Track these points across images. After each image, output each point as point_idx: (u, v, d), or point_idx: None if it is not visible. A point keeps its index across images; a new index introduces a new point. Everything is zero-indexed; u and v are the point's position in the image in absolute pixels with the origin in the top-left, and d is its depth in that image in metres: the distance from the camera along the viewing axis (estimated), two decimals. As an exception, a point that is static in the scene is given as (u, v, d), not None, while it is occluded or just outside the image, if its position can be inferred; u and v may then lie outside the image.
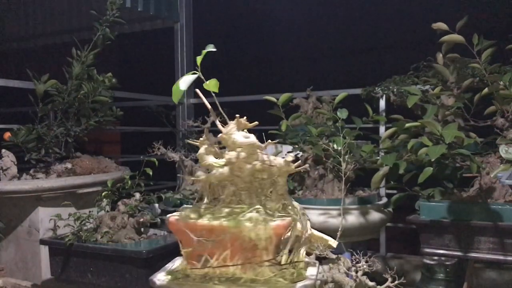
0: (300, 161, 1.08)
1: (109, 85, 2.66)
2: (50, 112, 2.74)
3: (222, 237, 1.01)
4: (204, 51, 1.08)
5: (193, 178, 1.12)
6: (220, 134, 1.06)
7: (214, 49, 1.07)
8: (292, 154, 1.06)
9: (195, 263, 1.06)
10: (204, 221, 1.04)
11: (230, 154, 1.04)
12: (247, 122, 1.07)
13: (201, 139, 1.09)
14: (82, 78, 2.64)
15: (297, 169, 1.07)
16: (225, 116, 1.08)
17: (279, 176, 1.06)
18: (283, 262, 1.04)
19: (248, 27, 4.89)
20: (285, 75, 4.80)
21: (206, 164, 1.08)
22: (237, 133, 1.04)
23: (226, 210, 1.06)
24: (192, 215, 1.07)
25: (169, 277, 1.08)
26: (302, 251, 1.12)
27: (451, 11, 3.63)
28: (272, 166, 1.05)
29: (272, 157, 1.07)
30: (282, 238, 1.03)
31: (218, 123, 1.08)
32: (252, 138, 1.03)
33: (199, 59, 1.08)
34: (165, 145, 2.57)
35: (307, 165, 1.12)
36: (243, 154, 1.03)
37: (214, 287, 1.00)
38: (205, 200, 1.12)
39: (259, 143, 1.04)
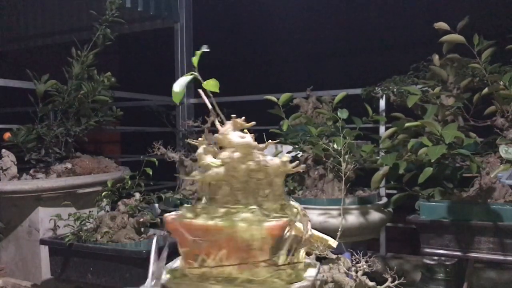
0: (298, 161, 1.07)
1: (109, 85, 2.66)
2: (50, 112, 2.74)
3: (217, 237, 1.01)
4: (198, 52, 1.08)
5: (189, 177, 1.12)
6: (215, 134, 1.06)
7: (208, 50, 1.08)
8: (289, 155, 1.05)
9: (192, 263, 1.05)
10: (199, 221, 1.03)
11: (224, 154, 1.04)
12: (243, 122, 1.06)
13: (200, 139, 1.08)
14: (82, 78, 2.64)
15: (294, 169, 1.06)
16: (222, 116, 1.07)
17: (276, 176, 1.05)
18: (280, 262, 1.03)
19: (248, 27, 4.89)
20: (285, 75, 4.80)
21: (204, 164, 1.08)
22: (233, 133, 1.04)
23: (222, 210, 1.06)
24: (188, 215, 1.07)
25: (168, 276, 1.08)
26: (302, 252, 1.11)
27: (452, 11, 3.63)
28: (267, 166, 1.04)
29: (268, 157, 1.06)
30: (278, 239, 1.02)
31: (217, 123, 1.08)
32: (248, 138, 1.03)
33: (195, 60, 1.08)
34: (165, 145, 2.57)
35: (303, 165, 1.10)
36: (237, 154, 1.03)
37: (211, 287, 1.00)
38: (203, 200, 1.11)
39: (255, 143, 1.03)
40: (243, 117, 1.08)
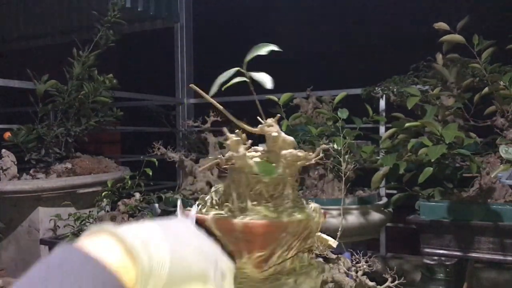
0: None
1: (110, 86, 2.67)
2: (50, 112, 2.74)
3: (293, 231, 1.02)
4: (267, 48, 1.02)
5: (264, 178, 1.07)
6: (273, 133, 1.04)
7: (279, 49, 1.00)
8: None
9: (263, 266, 1.01)
10: (285, 219, 1.02)
11: (301, 153, 1.05)
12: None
13: (234, 138, 1.02)
14: (82, 78, 2.64)
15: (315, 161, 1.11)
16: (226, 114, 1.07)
17: (299, 170, 1.09)
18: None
19: (248, 27, 4.89)
20: (285, 75, 4.80)
21: (247, 165, 1.04)
22: (282, 132, 1.06)
23: (289, 204, 1.07)
24: (272, 215, 1.03)
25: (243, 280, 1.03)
26: None
27: (452, 11, 3.63)
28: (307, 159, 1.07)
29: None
30: None
31: (241, 123, 1.06)
32: (289, 136, 1.06)
33: (249, 57, 1.01)
34: (165, 145, 2.57)
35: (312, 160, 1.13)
36: (300, 153, 1.05)
37: (288, 281, 1.04)
38: (245, 200, 1.08)
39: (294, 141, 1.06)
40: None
